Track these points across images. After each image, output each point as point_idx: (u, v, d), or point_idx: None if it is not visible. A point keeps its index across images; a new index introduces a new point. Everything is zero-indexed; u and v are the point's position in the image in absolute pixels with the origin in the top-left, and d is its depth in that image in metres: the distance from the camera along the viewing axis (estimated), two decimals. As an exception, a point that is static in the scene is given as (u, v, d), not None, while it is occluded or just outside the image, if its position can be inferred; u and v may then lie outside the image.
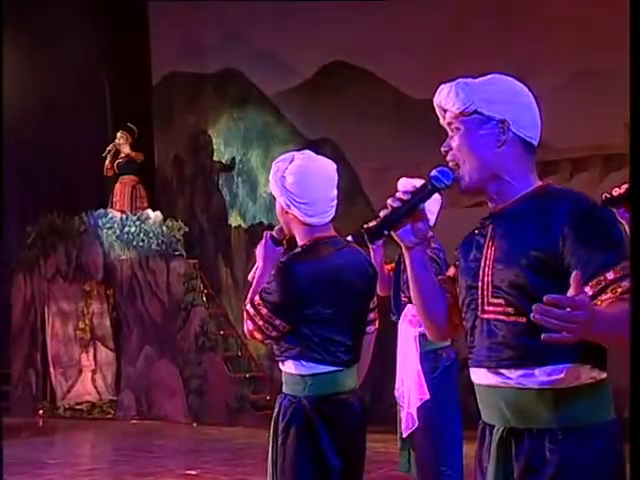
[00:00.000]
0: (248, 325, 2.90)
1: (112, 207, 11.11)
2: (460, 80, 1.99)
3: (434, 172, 1.99)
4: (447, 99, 1.98)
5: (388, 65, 9.88)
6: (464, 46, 9.22)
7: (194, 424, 9.67)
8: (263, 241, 3.02)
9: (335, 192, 2.94)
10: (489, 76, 2.01)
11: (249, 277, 3.06)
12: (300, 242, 2.97)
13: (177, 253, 10.33)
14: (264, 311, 2.85)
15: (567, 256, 1.84)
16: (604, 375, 1.90)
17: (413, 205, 1.99)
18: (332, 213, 2.93)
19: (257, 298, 2.88)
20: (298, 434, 2.84)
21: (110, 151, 11.13)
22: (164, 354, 10.18)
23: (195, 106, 12.16)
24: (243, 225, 11.54)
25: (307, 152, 2.99)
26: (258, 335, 2.90)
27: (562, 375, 1.87)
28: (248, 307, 2.91)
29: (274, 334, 2.86)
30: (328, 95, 10.61)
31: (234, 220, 11.68)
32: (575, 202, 1.88)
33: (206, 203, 12.09)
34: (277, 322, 2.84)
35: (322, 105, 10.64)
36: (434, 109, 2.06)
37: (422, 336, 4.51)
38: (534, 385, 1.88)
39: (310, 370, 2.86)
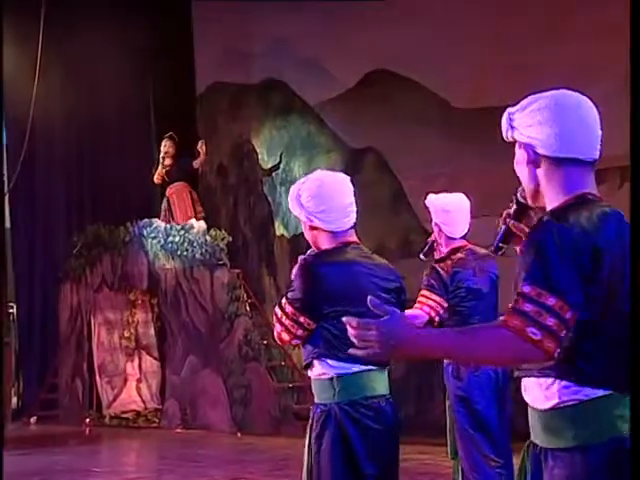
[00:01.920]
0: (277, 328, 3.03)
1: (169, 216, 11.05)
2: (507, 110, 2.11)
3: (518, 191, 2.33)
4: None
5: (433, 73, 9.81)
6: (510, 55, 9.13)
7: (238, 434, 9.69)
8: (299, 264, 3.12)
9: (351, 200, 3.10)
10: (527, 99, 2.08)
11: None
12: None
13: (221, 262, 10.37)
14: (289, 309, 2.97)
15: None
16: (597, 394, 1.87)
17: (508, 225, 2.48)
18: (352, 219, 3.09)
19: (283, 299, 3.01)
20: (331, 442, 2.89)
21: (164, 158, 11.19)
22: (208, 363, 10.23)
23: (239, 116, 12.24)
24: (286, 235, 11.57)
25: (319, 171, 3.20)
26: (285, 336, 3.00)
27: (543, 394, 1.92)
28: (276, 309, 3.04)
29: (300, 332, 2.96)
30: (372, 104, 10.58)
31: (277, 230, 11.71)
32: (535, 223, 1.97)
33: (249, 213, 12.15)
34: (302, 319, 2.94)
35: (366, 114, 10.62)
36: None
37: None
38: (530, 402, 1.97)
39: (337, 370, 2.91)
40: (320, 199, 3.05)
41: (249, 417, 9.89)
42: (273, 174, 11.84)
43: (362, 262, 3.02)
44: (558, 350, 1.81)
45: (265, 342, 10.35)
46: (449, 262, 4.49)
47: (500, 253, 2.72)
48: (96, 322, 11.31)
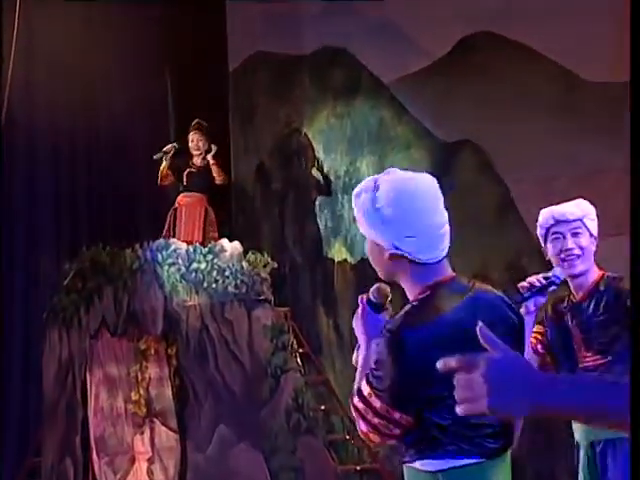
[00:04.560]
0: (361, 426, 2.96)
1: (170, 234, 11.24)
2: None
3: None
4: None
5: (552, 37, 9.76)
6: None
7: (285, 534, 9.70)
8: (359, 310, 3.09)
9: (446, 216, 3.04)
10: None
11: (353, 360, 3.12)
12: (411, 296, 3.00)
13: (262, 298, 10.42)
14: (377, 404, 2.88)
15: None
16: None
17: None
18: (446, 245, 3.03)
19: (366, 387, 2.92)
20: None
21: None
22: (244, 436, 10.25)
23: (286, 98, 12.31)
24: (350, 259, 11.55)
25: (392, 170, 3.10)
26: (376, 437, 2.94)
27: None
28: (356, 401, 2.95)
29: (396, 432, 2.90)
30: (469, 80, 10.56)
31: (337, 253, 11.71)
32: None
33: (300, 229, 12.18)
34: (397, 415, 2.87)
35: (460, 94, 10.60)
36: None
37: None
38: None
39: (443, 464, 2.88)
40: (407, 214, 2.97)
41: (301, 511, 9.89)
42: (332, 177, 11.87)
43: (464, 309, 2.92)
44: None
45: (323, 408, 10.36)
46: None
47: None
48: (93, 380, 11.39)
